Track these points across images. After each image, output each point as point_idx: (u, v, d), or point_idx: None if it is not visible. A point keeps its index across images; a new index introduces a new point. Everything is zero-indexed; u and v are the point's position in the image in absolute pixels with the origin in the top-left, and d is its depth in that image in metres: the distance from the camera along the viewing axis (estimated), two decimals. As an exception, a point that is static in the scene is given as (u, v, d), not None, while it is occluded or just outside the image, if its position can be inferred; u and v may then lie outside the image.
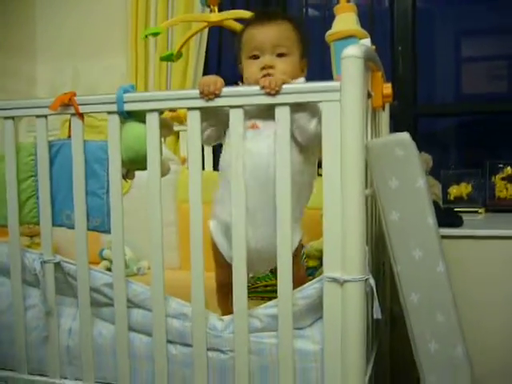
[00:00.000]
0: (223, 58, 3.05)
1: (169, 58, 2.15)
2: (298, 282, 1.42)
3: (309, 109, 1.45)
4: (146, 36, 2.10)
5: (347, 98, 1.27)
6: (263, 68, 1.53)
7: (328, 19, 1.76)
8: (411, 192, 1.41)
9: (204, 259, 1.45)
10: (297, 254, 1.61)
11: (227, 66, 2.95)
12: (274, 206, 1.39)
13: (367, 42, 1.62)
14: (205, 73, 2.80)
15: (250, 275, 1.83)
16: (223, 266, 1.58)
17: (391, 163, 1.40)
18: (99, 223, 1.55)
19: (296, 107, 1.41)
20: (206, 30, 2.63)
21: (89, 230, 1.56)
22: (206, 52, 2.82)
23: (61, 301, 1.64)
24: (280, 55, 1.55)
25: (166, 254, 1.50)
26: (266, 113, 1.43)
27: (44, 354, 1.65)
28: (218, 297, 1.68)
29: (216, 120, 1.54)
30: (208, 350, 1.47)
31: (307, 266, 2.02)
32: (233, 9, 2.12)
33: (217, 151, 2.73)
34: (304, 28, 1.68)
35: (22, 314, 1.65)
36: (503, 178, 2.72)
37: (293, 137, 1.46)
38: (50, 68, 3.21)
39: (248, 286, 1.44)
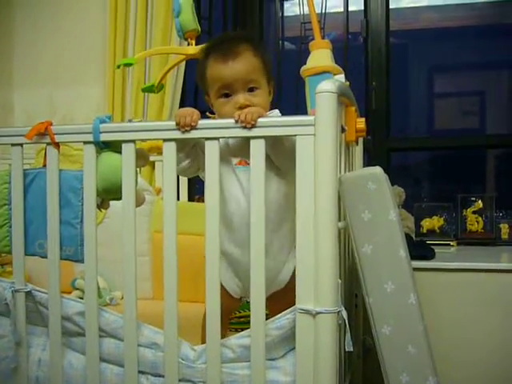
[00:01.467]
0: (200, 90, 3.08)
1: (150, 90, 2.16)
2: (289, 306, 1.42)
3: (287, 143, 1.47)
4: (119, 66, 2.12)
5: (321, 133, 1.29)
6: (239, 108, 1.51)
7: (304, 53, 1.79)
8: (383, 224, 1.43)
9: (178, 289, 1.44)
10: (292, 283, 1.62)
11: (203, 98, 2.98)
12: (268, 237, 1.40)
13: (341, 77, 1.65)
14: (182, 105, 2.83)
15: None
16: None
17: (364, 196, 1.43)
18: (72, 252, 1.54)
19: (276, 140, 1.43)
20: (184, 62, 2.66)
21: (62, 259, 1.54)
22: (184, 84, 2.85)
23: (31, 330, 1.62)
24: (251, 89, 1.56)
25: (139, 283, 1.50)
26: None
27: (13, 386, 1.62)
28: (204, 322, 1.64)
29: (195, 155, 1.56)
30: (180, 381, 1.46)
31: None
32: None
33: (192, 182, 2.76)
34: (263, 47, 1.68)
35: (-9, 344, 1.63)
36: (474, 212, 2.78)
37: (275, 166, 1.49)
38: (26, 96, 3.21)
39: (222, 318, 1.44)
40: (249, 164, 1.53)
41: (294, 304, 1.36)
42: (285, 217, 1.57)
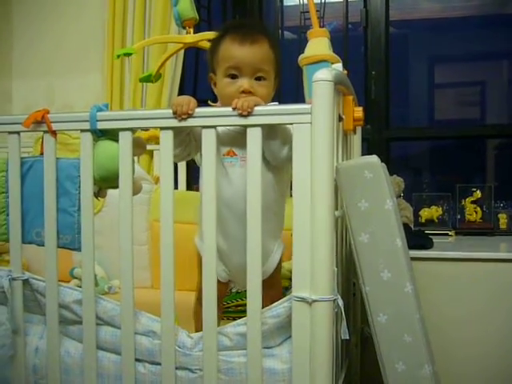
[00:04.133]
0: (199, 78, 3.08)
1: (147, 79, 2.16)
2: (276, 297, 1.45)
3: (280, 135, 1.49)
4: (119, 56, 2.12)
5: (318, 121, 1.29)
6: (242, 92, 1.52)
7: (304, 42, 1.79)
8: (380, 213, 1.43)
9: (175, 277, 1.45)
10: (277, 270, 1.66)
11: (203, 86, 2.98)
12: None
13: (339, 66, 1.65)
14: (180, 93, 2.82)
15: (236, 289, 1.85)
16: None
17: (361, 185, 1.43)
18: (69, 240, 1.54)
19: (268, 133, 1.44)
20: (182, 51, 2.66)
21: (59, 247, 1.55)
22: (182, 73, 2.84)
23: (28, 319, 1.63)
24: (258, 78, 1.56)
25: (137, 272, 1.50)
26: (243, 141, 1.42)
27: (10, 374, 1.62)
28: (197, 309, 1.66)
29: (188, 142, 1.56)
30: (177, 368, 1.46)
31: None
32: (209, 30, 2.14)
33: (190, 171, 2.76)
34: (278, 44, 1.69)
35: (-12, 332, 1.63)
36: (473, 202, 2.78)
37: (264, 158, 1.49)
38: (25, 85, 3.21)
39: (219, 305, 1.45)
40: (236, 155, 1.55)
41: (281, 291, 1.37)
42: (271, 207, 1.58)
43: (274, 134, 1.48)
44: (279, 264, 1.68)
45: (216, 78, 1.61)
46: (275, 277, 1.66)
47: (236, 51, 1.55)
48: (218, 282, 1.62)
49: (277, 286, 1.69)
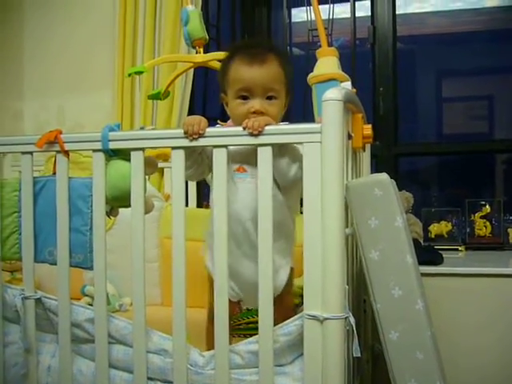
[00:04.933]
0: (208, 97, 3.10)
1: (156, 97, 2.18)
2: (287, 315, 1.45)
3: (289, 154, 1.50)
4: (130, 74, 2.14)
5: (328, 140, 1.30)
6: (254, 112, 1.53)
7: (312, 59, 1.80)
8: (390, 231, 1.44)
9: (186, 294, 1.45)
10: (288, 288, 1.67)
11: (212, 105, 3.00)
12: None
13: (348, 85, 1.66)
14: (190, 112, 2.83)
15: (249, 307, 1.85)
16: None
17: (371, 203, 1.43)
18: (82, 259, 1.56)
19: (277, 152, 1.45)
20: (192, 70, 2.68)
21: (71, 266, 1.56)
22: (192, 91, 2.86)
23: (40, 337, 1.63)
24: (269, 97, 1.57)
25: (148, 289, 1.51)
26: (253, 158, 1.43)
27: (23, 392, 1.63)
28: (209, 328, 1.66)
29: (200, 161, 1.57)
30: (189, 387, 1.47)
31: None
32: (218, 48, 2.16)
33: (201, 189, 2.77)
34: (288, 60, 1.69)
35: (1, 350, 1.64)
36: (482, 217, 2.77)
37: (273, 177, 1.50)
38: (36, 105, 3.23)
39: (230, 324, 1.45)
40: (246, 171, 1.56)
41: (291, 308, 1.37)
42: (279, 225, 1.57)
43: (283, 152, 1.50)
44: (289, 281, 1.68)
45: (227, 98, 1.63)
46: (285, 294, 1.66)
47: (246, 73, 1.56)
48: (229, 300, 1.63)
49: (287, 303, 1.69)
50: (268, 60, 1.58)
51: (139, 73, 2.11)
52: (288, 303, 1.70)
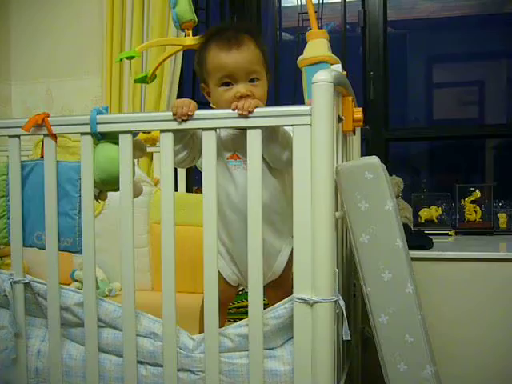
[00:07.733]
0: (197, 82, 3.07)
1: (143, 80, 2.15)
2: (284, 297, 1.43)
3: (281, 139, 1.50)
4: (121, 59, 2.11)
5: (317, 122, 1.29)
6: (240, 97, 1.51)
7: (302, 43, 1.79)
8: (380, 214, 1.43)
9: (175, 279, 1.45)
10: (287, 270, 1.64)
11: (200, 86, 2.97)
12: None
13: (338, 67, 1.65)
14: (179, 96, 2.81)
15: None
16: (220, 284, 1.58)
17: (361, 186, 1.43)
18: (70, 243, 1.54)
19: (269, 137, 1.44)
20: (181, 53, 2.65)
21: (60, 250, 1.55)
22: (181, 75, 2.84)
23: (30, 322, 1.63)
24: (252, 80, 1.56)
25: (138, 275, 1.50)
26: (246, 144, 1.41)
27: (12, 377, 1.62)
28: (203, 312, 1.65)
29: (192, 145, 1.56)
30: (178, 370, 1.47)
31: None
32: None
33: (190, 174, 2.76)
34: (261, 38, 1.66)
35: (-10, 335, 1.63)
36: (472, 201, 2.78)
37: (266, 161, 1.51)
38: (24, 88, 3.20)
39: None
40: (240, 158, 1.56)
41: (292, 292, 1.36)
42: (276, 208, 1.59)
43: (275, 137, 1.49)
44: (289, 263, 1.66)
45: (209, 87, 1.61)
46: (284, 277, 1.66)
47: (225, 59, 1.54)
48: (228, 284, 1.63)
49: (285, 285, 1.66)
50: (244, 43, 1.55)
51: (130, 57, 2.08)
52: (286, 285, 1.68)
